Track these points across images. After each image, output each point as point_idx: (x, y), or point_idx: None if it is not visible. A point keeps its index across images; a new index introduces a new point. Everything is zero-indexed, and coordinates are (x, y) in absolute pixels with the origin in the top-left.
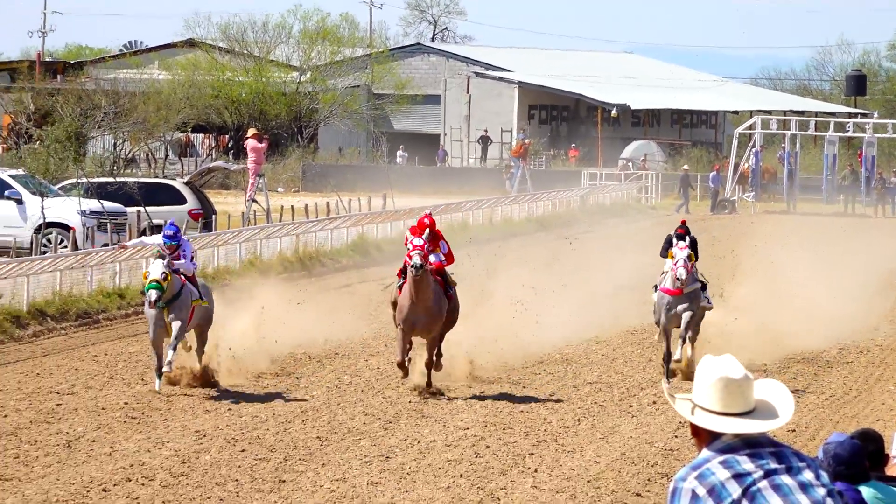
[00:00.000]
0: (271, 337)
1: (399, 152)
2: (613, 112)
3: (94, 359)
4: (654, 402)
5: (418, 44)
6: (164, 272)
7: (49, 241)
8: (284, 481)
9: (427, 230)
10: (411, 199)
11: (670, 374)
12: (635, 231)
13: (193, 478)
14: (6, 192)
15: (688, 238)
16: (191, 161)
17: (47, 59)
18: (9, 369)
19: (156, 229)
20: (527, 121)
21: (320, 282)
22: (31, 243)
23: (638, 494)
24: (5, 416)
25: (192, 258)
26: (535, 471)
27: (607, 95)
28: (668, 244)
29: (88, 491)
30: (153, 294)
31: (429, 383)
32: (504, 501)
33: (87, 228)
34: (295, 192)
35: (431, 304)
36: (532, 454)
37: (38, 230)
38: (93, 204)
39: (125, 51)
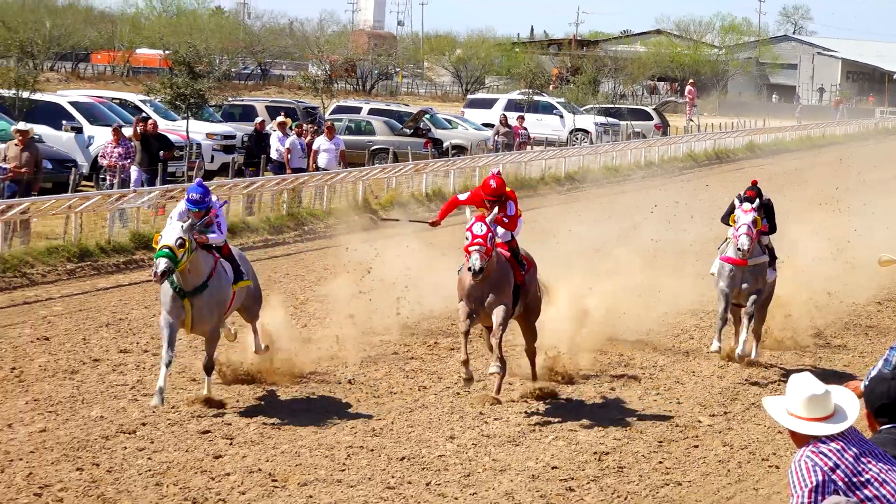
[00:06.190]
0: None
1: (774, 96)
2: (895, 76)
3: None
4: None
5: (784, 35)
6: (180, 238)
7: (577, 138)
8: None
9: (496, 196)
10: (778, 122)
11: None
12: None
13: None
14: (553, 111)
15: (757, 201)
16: (655, 97)
17: (578, 38)
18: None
19: (636, 134)
20: (845, 80)
21: (726, 167)
22: (566, 140)
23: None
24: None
25: (222, 226)
26: None
27: (892, 66)
28: (732, 209)
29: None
30: (161, 263)
31: (534, 375)
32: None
33: (598, 133)
34: (713, 115)
35: (495, 281)
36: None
37: (571, 132)
38: (600, 118)
39: (621, 35)
